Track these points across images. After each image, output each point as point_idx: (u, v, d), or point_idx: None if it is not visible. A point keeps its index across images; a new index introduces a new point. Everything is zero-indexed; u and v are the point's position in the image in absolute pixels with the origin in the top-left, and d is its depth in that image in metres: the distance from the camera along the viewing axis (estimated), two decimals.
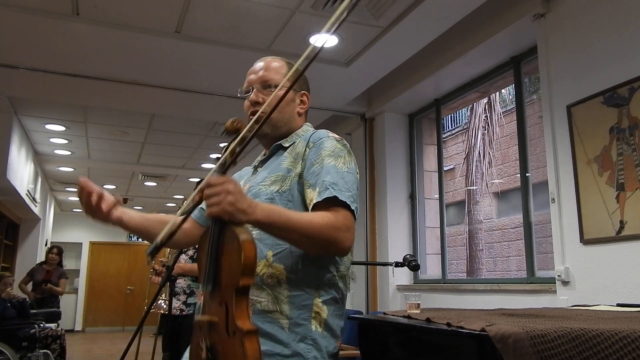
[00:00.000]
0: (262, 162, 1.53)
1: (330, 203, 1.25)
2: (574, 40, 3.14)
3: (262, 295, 1.29)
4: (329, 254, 1.32)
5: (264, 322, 1.27)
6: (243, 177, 1.60)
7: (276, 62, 1.53)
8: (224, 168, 1.22)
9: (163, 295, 4.03)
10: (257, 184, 1.42)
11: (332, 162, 1.33)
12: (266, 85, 1.49)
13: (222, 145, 7.13)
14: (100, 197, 1.37)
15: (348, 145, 1.44)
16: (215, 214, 1.12)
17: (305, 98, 1.55)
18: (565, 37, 3.20)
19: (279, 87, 1.42)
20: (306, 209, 1.32)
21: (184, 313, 4.10)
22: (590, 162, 2.94)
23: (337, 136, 1.43)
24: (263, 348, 1.21)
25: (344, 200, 1.26)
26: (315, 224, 1.21)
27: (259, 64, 1.54)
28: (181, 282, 4.14)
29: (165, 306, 3.75)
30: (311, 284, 1.32)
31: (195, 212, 1.63)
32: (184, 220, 1.29)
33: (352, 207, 1.28)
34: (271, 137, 1.50)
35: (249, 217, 1.14)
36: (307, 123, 1.59)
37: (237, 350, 1.06)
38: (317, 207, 1.27)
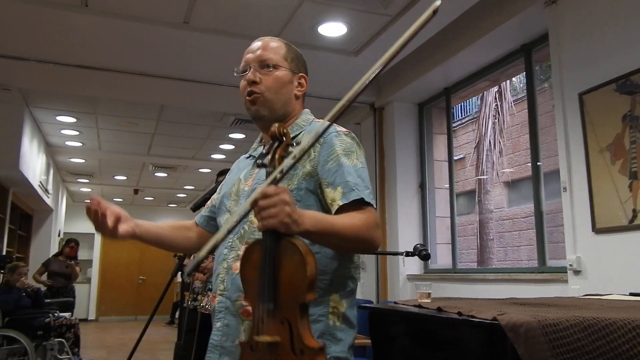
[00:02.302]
0: (264, 156, 1.48)
1: (358, 204, 1.27)
2: (586, 26, 3.09)
3: None
4: (364, 253, 1.34)
5: None
6: (242, 169, 1.53)
7: (274, 42, 1.50)
8: (282, 176, 1.14)
9: (194, 293, 3.91)
10: (262, 182, 1.36)
11: (347, 161, 1.32)
12: (264, 64, 1.45)
13: (231, 136, 7.15)
14: (116, 218, 1.36)
15: (356, 136, 1.42)
16: (272, 226, 1.07)
17: (303, 80, 1.51)
18: (577, 24, 3.15)
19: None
20: (316, 208, 1.31)
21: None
22: (603, 150, 2.91)
23: (343, 129, 1.41)
24: None
25: (369, 201, 1.28)
26: (354, 226, 1.22)
27: (257, 44, 1.50)
28: (197, 283, 4.04)
29: (208, 307, 3.65)
30: (326, 280, 1.30)
31: (199, 219, 1.62)
32: (226, 235, 1.20)
33: (374, 205, 1.31)
34: (269, 120, 1.42)
35: (299, 228, 1.11)
36: (306, 110, 1.55)
37: None
38: (344, 208, 1.27)
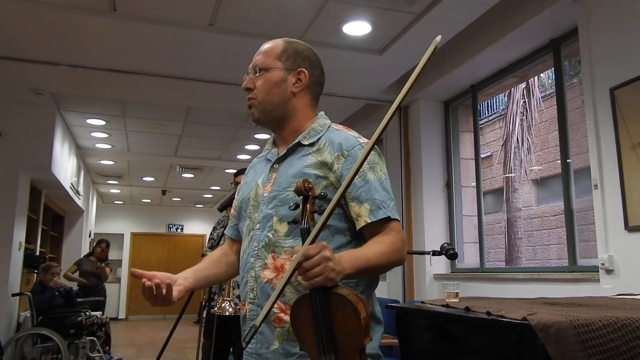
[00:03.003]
0: (280, 160, 1.46)
1: (385, 221, 1.32)
2: (617, 20, 3.02)
3: None
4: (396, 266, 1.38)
5: None
6: (259, 174, 1.50)
7: (270, 44, 1.49)
8: (316, 235, 1.16)
9: (226, 295, 3.90)
10: (283, 189, 1.38)
11: (373, 176, 1.36)
12: (256, 70, 1.47)
13: (256, 136, 7.20)
14: (167, 286, 1.33)
15: (377, 147, 1.38)
16: (319, 284, 1.13)
17: (302, 75, 1.45)
18: (608, 18, 3.08)
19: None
20: (336, 218, 1.34)
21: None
22: (635, 146, 2.84)
23: (364, 140, 1.41)
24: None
25: (394, 217, 1.34)
26: (387, 254, 1.28)
27: (260, 49, 1.50)
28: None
29: (231, 310, 3.65)
30: (350, 282, 1.29)
31: (230, 231, 1.61)
32: (281, 291, 1.18)
33: (399, 219, 1.37)
34: (265, 122, 1.47)
35: (341, 276, 1.17)
36: (321, 114, 1.51)
37: None
38: (371, 225, 1.32)
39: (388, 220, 1.32)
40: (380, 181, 1.36)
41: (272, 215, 1.37)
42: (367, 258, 1.24)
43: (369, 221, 1.31)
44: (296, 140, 1.44)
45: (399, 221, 1.36)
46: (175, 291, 1.37)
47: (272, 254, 1.35)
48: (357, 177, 1.30)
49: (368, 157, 1.32)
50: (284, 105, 1.45)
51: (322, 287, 1.14)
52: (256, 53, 1.50)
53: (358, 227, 1.33)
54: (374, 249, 1.28)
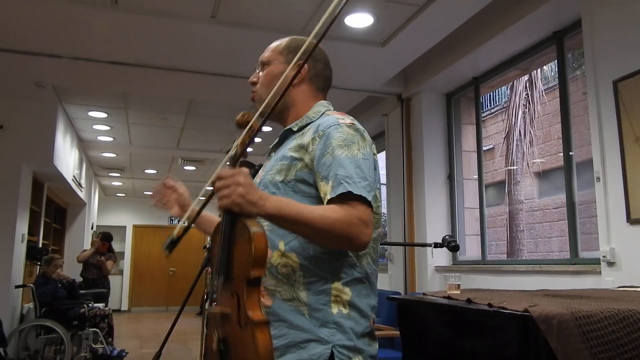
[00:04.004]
0: (274, 148, 1.51)
1: (346, 197, 1.22)
2: (621, 12, 3.00)
3: (279, 285, 1.29)
4: (345, 249, 1.29)
5: (286, 310, 1.28)
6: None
7: (276, 42, 1.55)
8: (235, 160, 1.25)
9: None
10: (267, 173, 1.41)
11: (343, 153, 1.28)
12: (260, 64, 1.53)
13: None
14: (174, 199, 1.66)
15: (361, 128, 1.38)
16: (225, 206, 1.14)
17: (302, 69, 1.43)
18: (611, 10, 3.07)
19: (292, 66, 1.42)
20: (315, 201, 1.31)
21: None
22: (638, 139, 2.83)
23: (347, 121, 1.37)
24: (286, 337, 1.25)
25: (358, 193, 1.22)
26: (327, 218, 1.18)
27: (268, 47, 1.57)
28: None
29: None
30: (326, 269, 1.29)
31: None
32: (197, 215, 1.32)
33: (369, 198, 1.24)
34: (272, 115, 1.43)
35: (259, 210, 1.15)
36: (322, 102, 1.51)
37: (248, 341, 1.07)
38: (332, 202, 1.25)
39: (350, 196, 1.21)
40: (353, 159, 1.28)
41: None
42: (299, 210, 1.18)
43: (329, 197, 1.24)
44: (286, 127, 1.47)
45: (367, 202, 1.24)
46: (176, 208, 1.65)
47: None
48: (326, 155, 1.29)
49: (345, 136, 1.31)
50: (284, 98, 1.42)
51: (232, 212, 1.15)
52: (265, 50, 1.56)
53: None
54: (315, 208, 1.22)
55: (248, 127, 1.29)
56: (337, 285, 1.29)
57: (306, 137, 1.37)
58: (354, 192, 1.22)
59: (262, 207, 1.15)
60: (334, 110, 1.49)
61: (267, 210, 1.15)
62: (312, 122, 1.43)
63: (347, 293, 1.29)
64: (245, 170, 1.17)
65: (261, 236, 1.11)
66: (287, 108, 1.48)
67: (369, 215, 1.23)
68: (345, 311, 1.28)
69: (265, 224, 1.26)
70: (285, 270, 1.29)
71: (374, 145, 1.40)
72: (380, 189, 1.39)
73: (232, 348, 1.13)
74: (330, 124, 1.34)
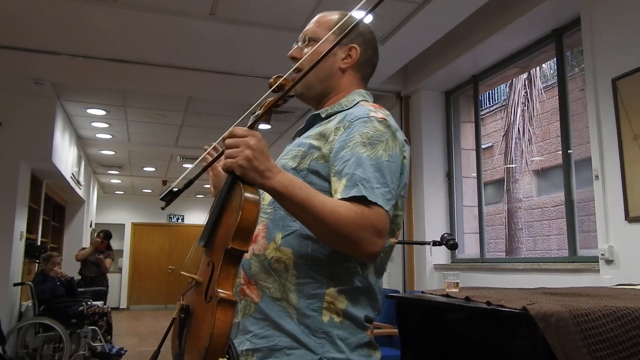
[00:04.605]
0: (300, 132, 1.37)
1: (359, 202, 1.07)
2: (619, 10, 3.00)
3: (270, 282, 1.17)
4: (349, 254, 1.13)
5: (273, 310, 1.15)
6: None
7: (326, 15, 1.38)
8: (254, 121, 1.14)
9: None
10: (282, 156, 1.29)
11: (366, 152, 1.13)
12: (306, 39, 1.35)
13: (259, 127, 7.19)
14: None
15: (394, 125, 1.21)
16: (229, 166, 1.03)
17: (353, 52, 1.33)
18: (610, 8, 3.07)
19: (321, 41, 1.27)
20: (323, 190, 1.16)
21: None
22: (637, 137, 2.83)
23: (379, 115, 1.21)
24: (271, 338, 1.14)
25: (374, 200, 1.07)
26: (337, 215, 1.04)
27: (314, 18, 1.39)
28: None
29: None
30: (322, 271, 1.15)
31: None
32: (203, 171, 1.21)
33: (386, 208, 1.09)
34: (308, 98, 1.35)
35: (264, 181, 1.03)
36: (359, 90, 1.35)
37: (207, 317, 0.96)
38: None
39: (364, 201, 1.07)
40: (376, 160, 1.12)
41: None
42: (309, 196, 1.05)
43: (339, 197, 1.09)
44: (315, 112, 1.34)
45: (386, 211, 1.09)
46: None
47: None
48: (346, 148, 1.15)
49: (373, 133, 1.16)
50: (328, 80, 1.33)
51: (234, 173, 1.03)
52: (311, 22, 1.38)
53: None
54: (328, 199, 1.08)
55: (275, 93, 1.18)
56: (332, 291, 1.15)
57: (330, 125, 1.24)
58: (369, 199, 1.07)
59: (268, 179, 1.03)
60: (372, 100, 1.35)
61: (272, 184, 1.03)
62: (343, 110, 1.28)
63: (342, 301, 1.15)
64: (259, 134, 1.05)
65: (252, 205, 0.99)
66: (329, 93, 1.34)
67: (384, 225, 1.08)
68: (337, 320, 1.15)
69: (267, 213, 1.20)
70: (278, 266, 1.16)
71: (407, 147, 1.24)
72: (405, 196, 1.25)
73: (191, 318, 1.04)
74: (359, 116, 1.20)
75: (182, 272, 1.12)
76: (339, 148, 1.16)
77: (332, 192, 1.14)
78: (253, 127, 1.10)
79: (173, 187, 1.10)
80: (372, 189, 1.08)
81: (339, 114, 1.26)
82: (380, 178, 1.11)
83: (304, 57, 1.29)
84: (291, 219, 1.15)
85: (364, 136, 1.15)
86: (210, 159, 1.36)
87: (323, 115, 1.30)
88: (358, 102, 1.29)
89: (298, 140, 1.30)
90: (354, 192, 1.08)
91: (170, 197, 1.10)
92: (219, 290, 0.96)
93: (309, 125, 1.34)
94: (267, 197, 1.21)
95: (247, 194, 1.00)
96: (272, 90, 1.20)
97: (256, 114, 1.19)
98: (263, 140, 1.04)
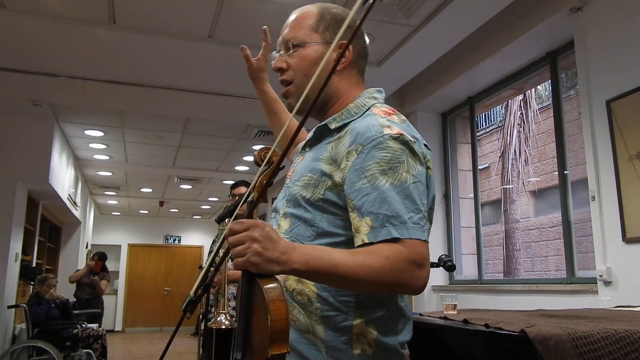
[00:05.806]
0: (309, 144, 1.25)
1: (390, 240, 1.00)
2: (613, 32, 3.04)
3: (295, 314, 1.10)
4: (398, 293, 1.09)
5: (301, 343, 1.09)
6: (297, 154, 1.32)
7: (301, 13, 1.24)
8: (252, 209, 1.05)
9: (221, 308, 3.84)
10: (294, 182, 1.18)
11: (388, 181, 1.03)
12: (288, 46, 1.22)
13: (254, 147, 7.21)
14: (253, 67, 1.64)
15: (410, 138, 1.09)
16: (241, 265, 0.94)
17: (345, 50, 1.13)
18: (604, 30, 3.11)
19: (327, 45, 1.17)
20: (349, 225, 1.08)
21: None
22: (632, 158, 2.85)
23: (394, 131, 1.08)
24: None
25: (408, 237, 1.00)
26: (369, 268, 0.96)
27: (289, 19, 1.25)
28: (232, 288, 4.00)
29: (227, 322, 3.58)
30: (347, 302, 1.08)
31: None
32: (215, 273, 1.12)
33: (423, 238, 1.03)
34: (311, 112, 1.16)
35: (283, 267, 0.94)
36: (368, 91, 1.24)
37: None
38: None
39: (396, 241, 0.99)
40: (401, 187, 1.03)
41: (281, 207, 1.21)
42: (334, 262, 0.96)
43: (366, 241, 1.01)
44: (323, 123, 1.20)
45: (424, 241, 1.03)
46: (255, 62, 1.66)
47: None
48: (363, 179, 1.04)
49: (390, 156, 1.05)
50: (326, 87, 1.10)
51: (249, 272, 0.94)
52: (286, 25, 1.25)
53: (355, 245, 1.04)
54: (352, 255, 0.98)
55: (265, 161, 1.11)
56: (359, 322, 1.08)
57: (341, 146, 1.11)
58: (398, 236, 1.00)
59: (286, 264, 0.94)
60: (382, 98, 1.25)
61: (292, 267, 0.94)
62: (354, 119, 1.16)
63: (371, 332, 1.08)
64: (261, 222, 0.95)
65: (279, 303, 0.90)
66: (327, 101, 1.22)
67: (423, 256, 1.02)
68: (370, 351, 1.07)
69: (282, 231, 1.13)
70: (301, 298, 1.10)
71: (429, 152, 1.17)
72: (433, 208, 1.19)
73: None
74: (372, 137, 1.07)
75: None
76: (355, 178, 1.06)
77: (354, 230, 1.05)
78: (251, 214, 1.03)
79: (192, 296, 1.04)
80: (403, 225, 1.01)
81: (350, 126, 1.14)
82: (410, 205, 1.03)
83: (296, 73, 1.22)
84: None
85: (382, 161, 1.05)
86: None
87: (332, 127, 1.18)
88: (370, 107, 1.19)
89: (308, 159, 1.19)
90: (382, 236, 1.00)
91: (192, 307, 1.05)
92: None
93: (317, 136, 1.22)
94: (283, 226, 1.16)
95: (270, 292, 0.91)
96: (259, 165, 1.16)
97: (251, 198, 1.12)
98: (266, 224, 0.95)
